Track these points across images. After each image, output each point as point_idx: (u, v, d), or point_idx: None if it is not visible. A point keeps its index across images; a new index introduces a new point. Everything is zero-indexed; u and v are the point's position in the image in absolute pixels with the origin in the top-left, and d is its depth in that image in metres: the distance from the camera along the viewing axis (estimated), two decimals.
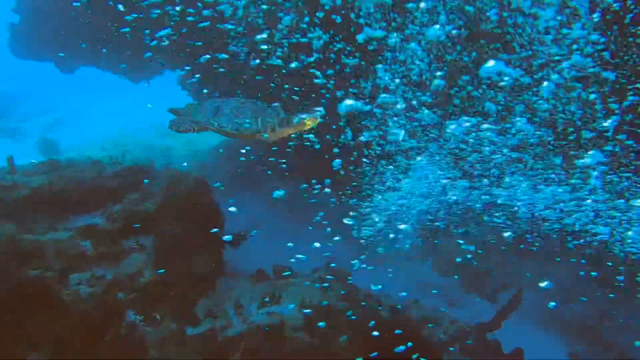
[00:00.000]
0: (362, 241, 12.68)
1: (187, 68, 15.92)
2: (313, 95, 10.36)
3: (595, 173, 9.28)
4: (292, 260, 11.58)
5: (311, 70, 9.26)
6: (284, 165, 12.67)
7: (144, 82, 21.27)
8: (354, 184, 11.83)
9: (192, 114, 5.84)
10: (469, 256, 14.29)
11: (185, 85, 19.68)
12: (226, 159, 18.60)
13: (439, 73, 8.03)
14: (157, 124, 25.63)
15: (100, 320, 7.51)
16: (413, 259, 14.99)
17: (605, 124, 8.23)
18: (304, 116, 5.73)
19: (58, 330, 6.80)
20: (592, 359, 12.78)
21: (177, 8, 11.25)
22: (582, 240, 12.19)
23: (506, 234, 12.81)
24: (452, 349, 9.44)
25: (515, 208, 11.57)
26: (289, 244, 12.50)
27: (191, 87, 19.44)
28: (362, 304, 9.77)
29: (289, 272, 10.97)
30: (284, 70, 9.73)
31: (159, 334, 8.20)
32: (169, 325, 8.45)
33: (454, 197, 11.71)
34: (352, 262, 12.74)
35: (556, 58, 7.46)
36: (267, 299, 9.72)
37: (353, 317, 9.27)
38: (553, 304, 13.58)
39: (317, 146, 9.53)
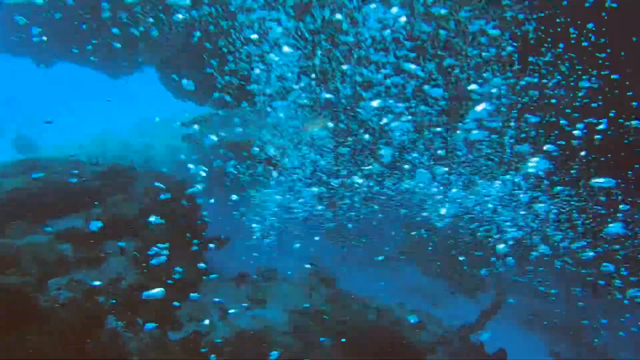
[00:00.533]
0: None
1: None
2: None
3: None
4: (277, 262, 11.52)
5: None
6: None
7: (124, 78, 20.86)
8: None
9: None
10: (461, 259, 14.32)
11: (165, 82, 19.37)
12: (206, 159, 18.36)
13: None
14: (137, 122, 25.26)
15: (80, 327, 7.29)
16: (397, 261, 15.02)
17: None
18: (312, 122, 5.69)
19: (36, 339, 6.58)
20: (573, 358, 12.93)
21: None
22: None
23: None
24: (440, 348, 9.43)
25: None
26: (272, 245, 12.42)
27: (171, 84, 19.14)
28: (348, 306, 9.72)
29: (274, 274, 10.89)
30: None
31: (141, 339, 8.02)
32: (151, 330, 8.28)
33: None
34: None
35: None
36: (251, 302, 9.64)
37: (339, 320, 9.22)
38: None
39: None
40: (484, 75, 8.64)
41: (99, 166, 11.07)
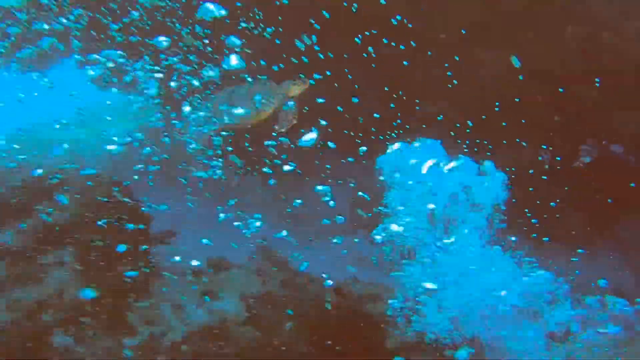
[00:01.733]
0: None
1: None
2: None
3: None
4: (227, 250, 11.26)
5: None
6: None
7: (40, 73, 19.48)
8: None
9: None
10: None
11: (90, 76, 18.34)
12: (142, 150, 17.63)
13: None
14: (60, 117, 23.83)
15: (26, 348, 6.90)
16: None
17: None
18: (290, 83, 5.49)
19: None
20: None
21: None
22: None
23: None
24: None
25: None
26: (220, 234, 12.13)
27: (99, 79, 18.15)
28: (304, 288, 9.69)
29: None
30: None
31: (95, 351, 7.70)
32: (104, 340, 7.96)
33: None
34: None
35: None
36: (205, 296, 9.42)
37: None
38: None
39: None
40: None
41: (23, 171, 10.32)
